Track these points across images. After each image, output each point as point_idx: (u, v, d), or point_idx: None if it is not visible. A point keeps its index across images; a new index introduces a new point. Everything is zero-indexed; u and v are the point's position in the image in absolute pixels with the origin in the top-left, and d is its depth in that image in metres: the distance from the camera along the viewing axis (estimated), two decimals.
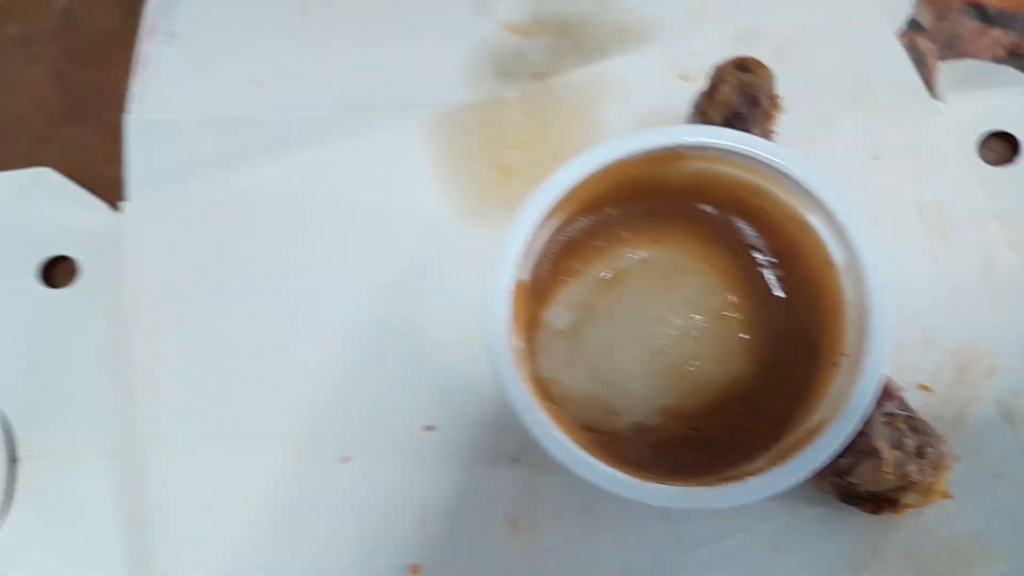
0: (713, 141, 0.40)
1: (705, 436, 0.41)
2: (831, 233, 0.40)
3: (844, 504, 0.43)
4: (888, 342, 0.37)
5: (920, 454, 0.40)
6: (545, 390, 0.42)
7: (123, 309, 0.49)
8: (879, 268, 0.38)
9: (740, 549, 0.44)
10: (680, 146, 0.40)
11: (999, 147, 0.49)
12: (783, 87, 0.49)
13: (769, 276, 0.42)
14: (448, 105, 0.52)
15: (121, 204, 0.51)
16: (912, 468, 0.40)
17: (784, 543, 0.44)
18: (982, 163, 0.48)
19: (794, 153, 0.39)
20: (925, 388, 0.45)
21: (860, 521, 0.43)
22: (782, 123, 0.49)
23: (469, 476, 0.46)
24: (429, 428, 0.46)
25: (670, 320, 0.43)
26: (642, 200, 0.43)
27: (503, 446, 0.45)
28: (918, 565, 0.43)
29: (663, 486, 0.37)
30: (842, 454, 0.41)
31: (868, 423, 0.41)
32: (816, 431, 0.37)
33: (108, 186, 0.53)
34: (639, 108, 0.51)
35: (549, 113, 0.51)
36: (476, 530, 0.45)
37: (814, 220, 0.41)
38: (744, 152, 0.40)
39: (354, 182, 0.50)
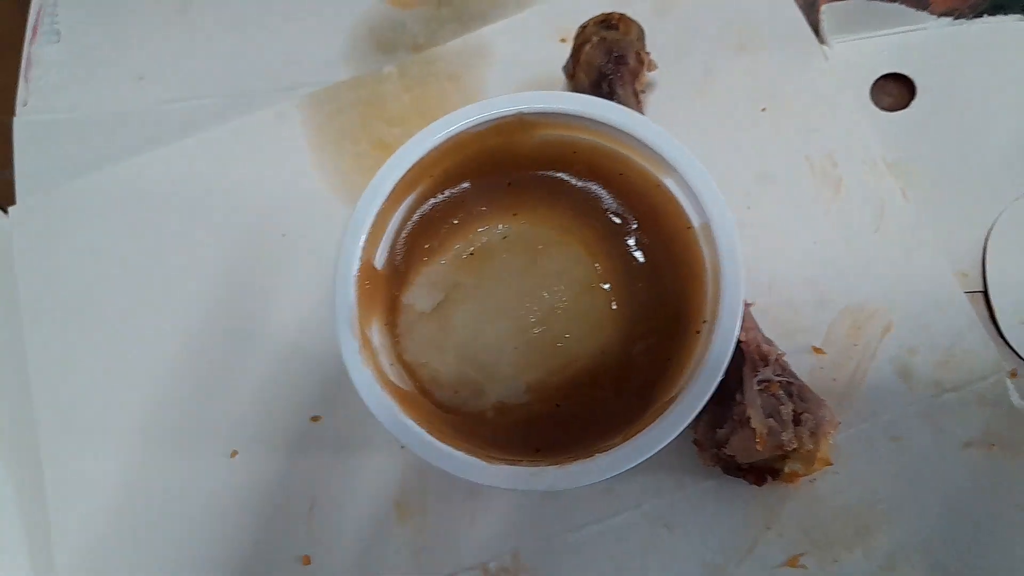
0: (556, 107, 0.38)
1: (569, 413, 0.39)
2: (686, 196, 0.38)
3: (730, 476, 0.41)
4: (739, 307, 0.36)
5: (797, 421, 0.39)
6: (413, 375, 0.41)
7: (16, 312, 0.49)
8: (729, 231, 0.36)
9: (630, 526, 0.43)
10: (521, 113, 0.38)
11: (895, 90, 0.46)
12: (665, 41, 0.47)
13: (632, 243, 0.40)
14: (327, 84, 0.50)
15: (11, 208, 0.51)
16: (786, 438, 0.38)
17: (675, 518, 0.42)
18: (876, 109, 0.46)
19: (640, 116, 0.37)
20: (819, 351, 0.43)
21: (751, 493, 0.42)
22: (664, 79, 0.47)
23: (356, 464, 0.45)
24: (315, 418, 0.46)
25: (538, 294, 0.42)
26: (498, 172, 0.41)
27: (388, 433, 0.44)
28: (813, 535, 0.41)
29: (509, 467, 0.36)
30: (720, 425, 0.40)
31: (743, 392, 0.39)
32: (668, 405, 0.36)
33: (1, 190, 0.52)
34: (520, 74, 0.49)
35: (429, 85, 0.49)
36: (365, 517, 0.44)
37: (670, 183, 0.39)
38: (593, 117, 0.38)
39: (230, 169, 0.49)
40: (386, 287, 0.40)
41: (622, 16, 0.44)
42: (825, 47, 0.47)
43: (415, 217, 0.41)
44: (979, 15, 0.46)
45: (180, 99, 0.52)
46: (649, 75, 0.45)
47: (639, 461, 0.35)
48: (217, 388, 0.46)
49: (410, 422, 0.36)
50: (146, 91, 0.53)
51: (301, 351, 0.46)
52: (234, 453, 0.45)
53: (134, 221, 0.49)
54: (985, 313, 0.43)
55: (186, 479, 0.45)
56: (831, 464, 0.40)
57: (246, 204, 0.48)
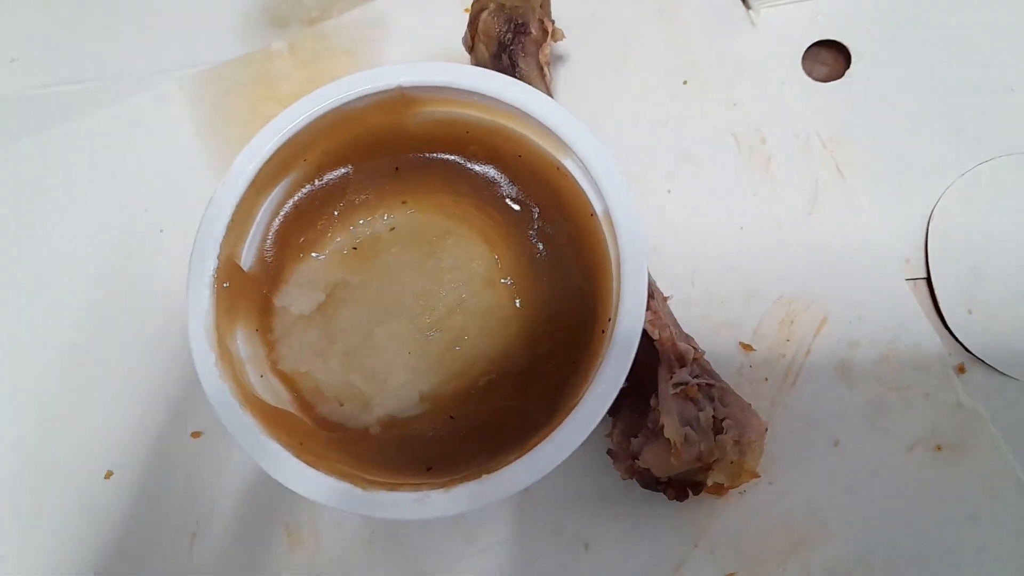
0: (440, 80, 0.34)
1: (465, 425, 0.35)
2: (587, 180, 0.34)
3: (649, 490, 0.37)
4: (642, 301, 0.31)
5: (719, 429, 0.34)
6: (293, 386, 0.36)
7: None
8: (630, 216, 0.32)
9: (544, 545, 0.38)
10: (402, 88, 0.34)
11: (829, 59, 0.42)
12: (576, 8, 0.43)
13: (534, 233, 0.36)
14: (216, 63, 0.46)
15: None
16: (704, 448, 0.34)
17: (593, 536, 0.38)
18: (808, 79, 0.42)
19: (532, 88, 0.33)
20: (747, 347, 0.39)
21: (677, 507, 0.38)
22: (576, 50, 0.42)
23: (242, 484, 0.41)
24: (195, 434, 0.41)
25: (433, 291, 0.37)
26: (383, 156, 0.37)
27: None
28: (745, 551, 0.38)
29: (388, 493, 0.31)
30: (635, 433, 0.35)
31: (656, 396, 0.35)
32: (566, 415, 0.31)
33: None
34: (421, 48, 0.44)
35: (323, 61, 0.45)
36: (253, 542, 0.40)
37: (570, 165, 0.34)
38: (481, 91, 0.34)
39: (105, 158, 0.45)
40: (255, 288, 0.35)
41: None
42: (752, 13, 0.43)
43: (287, 207, 0.36)
44: None
45: (55, 83, 0.48)
46: (557, 46, 0.40)
47: (534, 480, 0.31)
48: (89, 402, 0.42)
49: (275, 444, 0.32)
50: (18, 74, 0.48)
51: (180, 359, 0.42)
52: (109, 474, 0.41)
53: (9, 210, 0.44)
54: (929, 302, 0.39)
55: (56, 502, 0.41)
56: (758, 476, 0.36)
57: (122, 197, 0.44)
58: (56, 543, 0.40)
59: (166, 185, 0.44)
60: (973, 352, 0.38)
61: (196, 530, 0.40)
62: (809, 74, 0.42)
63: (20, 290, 0.43)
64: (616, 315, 0.32)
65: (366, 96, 0.34)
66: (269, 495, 0.40)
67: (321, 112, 0.34)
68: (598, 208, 0.34)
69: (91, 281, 0.43)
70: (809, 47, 0.42)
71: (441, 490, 0.31)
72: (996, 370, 0.38)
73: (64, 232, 0.44)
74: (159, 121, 0.45)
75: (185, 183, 0.44)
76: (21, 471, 0.41)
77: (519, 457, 0.32)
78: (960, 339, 0.38)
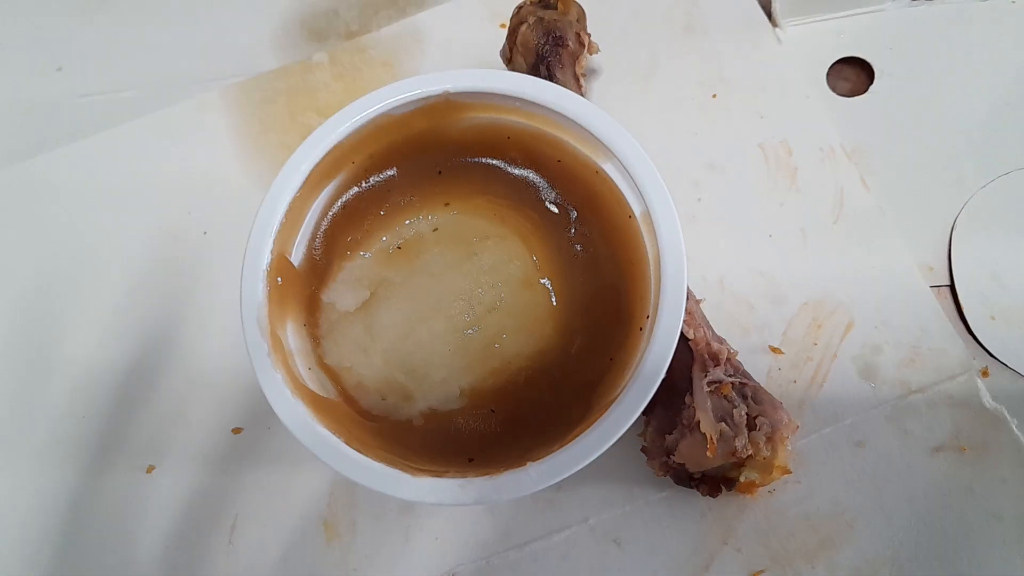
0: (485, 86, 0.35)
1: (504, 418, 0.36)
2: (627, 183, 0.35)
3: (682, 487, 0.38)
4: (682, 301, 0.33)
5: (752, 426, 0.35)
6: (336, 380, 0.37)
7: None
8: (670, 219, 0.33)
9: (576, 542, 0.39)
10: (448, 93, 0.35)
11: (852, 75, 0.44)
12: (608, 23, 0.45)
13: (572, 234, 0.37)
14: (253, 74, 0.47)
15: None
16: (739, 444, 0.35)
17: (624, 533, 0.39)
18: (832, 94, 0.43)
19: (575, 95, 0.34)
20: (776, 350, 0.40)
21: (706, 504, 0.39)
22: (608, 63, 0.44)
23: (280, 479, 0.42)
24: (236, 430, 0.42)
25: (472, 291, 0.38)
26: (427, 159, 0.38)
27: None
28: (773, 549, 0.38)
29: (434, 479, 0.32)
30: (669, 430, 0.36)
31: (692, 394, 0.36)
32: (607, 408, 0.32)
33: None
34: (457, 60, 0.46)
35: (361, 73, 0.46)
36: (290, 537, 0.40)
37: (610, 169, 0.36)
38: (526, 99, 0.35)
39: (149, 164, 0.46)
40: (304, 284, 0.37)
41: None
42: (778, 30, 0.44)
43: (336, 207, 0.37)
44: None
45: (100, 91, 0.49)
46: (591, 59, 0.42)
47: (574, 470, 0.32)
48: (132, 398, 0.43)
49: (325, 431, 0.33)
50: (64, 83, 0.50)
51: (221, 358, 0.43)
52: (150, 468, 0.42)
53: (45, 220, 0.46)
54: (952, 308, 0.40)
55: (98, 496, 0.42)
56: (790, 472, 0.37)
57: (166, 201, 0.45)
58: (98, 536, 0.41)
59: (208, 190, 0.45)
60: (996, 356, 0.39)
61: (235, 524, 0.41)
62: (833, 89, 0.43)
63: (66, 291, 0.44)
64: (656, 313, 0.33)
65: (413, 101, 0.35)
66: (307, 490, 0.41)
67: (370, 116, 0.35)
68: (637, 210, 0.35)
69: (137, 281, 0.44)
70: (833, 63, 0.44)
71: (484, 478, 0.32)
72: (1019, 374, 0.39)
73: (111, 234, 0.45)
74: (200, 128, 0.47)
75: (225, 188, 0.45)
76: (64, 465, 0.42)
77: (560, 448, 0.32)
78: (983, 344, 0.39)
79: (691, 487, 0.37)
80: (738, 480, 0.37)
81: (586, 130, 0.35)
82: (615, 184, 0.36)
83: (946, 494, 0.38)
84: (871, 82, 0.44)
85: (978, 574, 0.37)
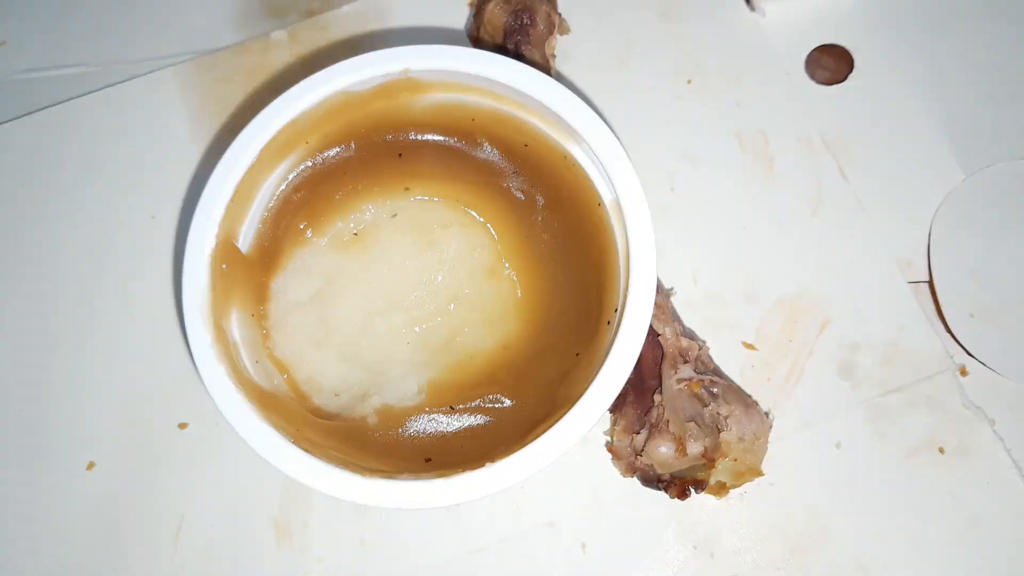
0: (448, 65, 0.33)
1: (466, 416, 0.34)
2: (597, 168, 0.33)
3: (650, 488, 0.36)
4: (651, 293, 0.31)
5: (722, 425, 0.34)
6: (286, 374, 0.35)
7: None
8: (640, 206, 0.31)
9: (540, 545, 0.38)
10: (409, 71, 0.33)
11: (831, 63, 0.42)
12: (581, 5, 0.43)
13: (539, 222, 0.35)
14: (211, 50, 0.45)
15: None
16: (709, 444, 0.33)
17: (590, 537, 0.38)
18: (811, 82, 0.42)
19: (542, 75, 0.32)
20: (750, 347, 0.39)
21: (675, 507, 0.37)
22: (580, 48, 0.42)
23: (229, 477, 0.39)
24: (182, 425, 0.40)
25: (434, 281, 0.36)
26: (386, 141, 0.36)
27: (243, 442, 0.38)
28: (745, 555, 0.37)
29: (386, 481, 0.30)
30: (637, 429, 0.35)
31: (661, 392, 0.34)
32: (572, 406, 0.30)
33: None
34: (421, 39, 0.43)
35: (321, 51, 0.44)
36: (238, 537, 0.38)
37: (578, 154, 0.34)
38: (490, 77, 0.33)
39: (96, 143, 0.44)
40: (252, 271, 0.35)
41: None
42: (756, 15, 0.42)
43: (288, 189, 0.35)
44: None
45: (47, 67, 0.47)
46: (561, 44, 0.40)
47: (535, 470, 0.30)
48: (71, 390, 0.41)
49: (271, 430, 0.31)
50: (9, 58, 0.47)
51: (168, 349, 0.40)
52: (90, 465, 0.40)
53: None
54: (931, 305, 0.39)
55: (34, 494, 0.40)
56: (762, 475, 0.35)
57: (113, 183, 0.43)
58: (35, 536, 0.39)
59: (158, 171, 0.43)
60: (975, 355, 0.38)
61: (181, 524, 0.39)
62: (812, 77, 0.42)
63: (6, 274, 0.42)
64: (623, 307, 0.31)
65: (372, 79, 0.34)
66: (257, 489, 0.39)
67: (327, 94, 0.33)
68: (606, 197, 0.33)
69: (80, 266, 0.42)
70: (812, 51, 0.42)
71: (441, 480, 0.30)
72: (998, 373, 0.38)
73: (54, 216, 0.43)
74: (152, 106, 0.44)
75: (177, 170, 0.43)
76: (2, 460, 0.39)
77: (519, 448, 0.31)
78: (962, 342, 0.38)
79: (659, 489, 0.36)
80: (708, 482, 0.35)
81: (554, 112, 0.33)
82: (583, 169, 0.34)
83: (923, 497, 0.37)
84: (851, 70, 0.42)
85: None
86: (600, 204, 0.34)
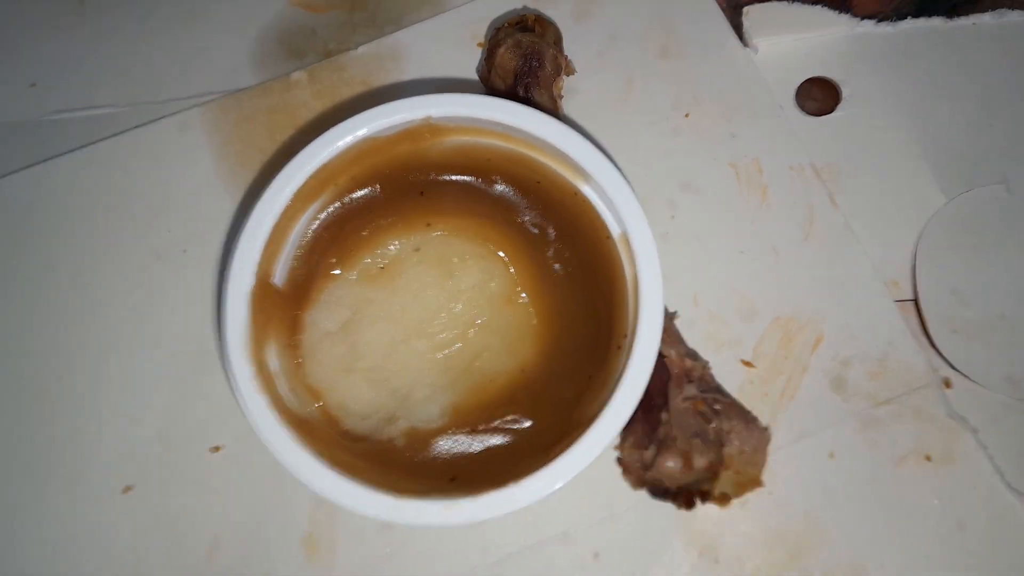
0: (465, 112, 0.36)
1: (487, 436, 0.37)
2: (605, 204, 0.36)
3: (659, 499, 0.39)
4: (659, 320, 0.34)
5: (725, 440, 0.36)
6: (319, 400, 0.38)
7: None
8: (647, 241, 0.34)
9: (556, 554, 0.40)
10: (430, 118, 0.36)
11: (820, 94, 0.45)
12: (585, 46, 0.46)
13: (551, 254, 0.38)
14: (234, 91, 0.47)
15: None
16: (713, 457, 0.36)
17: (602, 545, 0.40)
18: (801, 113, 0.44)
19: (552, 119, 0.35)
20: (748, 364, 0.41)
21: (682, 517, 0.40)
22: (584, 85, 0.45)
23: (260, 497, 0.42)
24: (215, 448, 0.42)
25: (454, 309, 0.39)
26: (409, 181, 0.39)
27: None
28: (747, 561, 0.40)
29: (419, 501, 0.33)
30: (645, 445, 0.37)
31: (668, 410, 0.37)
32: (588, 425, 0.33)
33: None
34: (435, 79, 0.46)
35: (340, 91, 0.47)
36: (270, 554, 0.41)
37: (588, 191, 0.37)
38: (504, 122, 0.36)
39: (127, 182, 0.46)
40: (286, 305, 0.37)
41: (537, 17, 0.42)
42: (749, 50, 0.45)
43: (318, 229, 0.38)
44: (903, 17, 0.45)
45: (75, 108, 0.49)
46: (569, 80, 0.43)
47: (555, 488, 0.33)
48: (108, 417, 0.42)
49: (309, 455, 0.33)
50: (38, 99, 0.49)
51: (199, 375, 0.43)
52: (127, 489, 0.42)
53: (19, 241, 0.45)
54: (916, 322, 0.42)
55: (73, 519, 0.42)
56: (762, 485, 0.38)
57: (145, 219, 0.45)
58: (74, 559, 0.41)
59: (187, 208, 0.45)
60: (958, 369, 0.41)
61: (215, 543, 0.41)
62: (802, 109, 0.45)
63: (41, 311, 0.44)
64: (634, 333, 0.34)
65: (396, 125, 0.36)
66: (288, 508, 0.41)
67: (354, 140, 0.36)
68: (614, 231, 0.36)
69: (116, 299, 0.44)
70: (801, 83, 0.45)
71: (469, 498, 0.33)
72: (980, 385, 0.40)
73: (89, 253, 0.45)
74: (179, 146, 0.47)
75: (205, 206, 0.45)
76: (40, 484, 0.42)
77: (541, 467, 0.33)
78: (946, 357, 0.41)
79: (666, 500, 0.38)
80: (712, 493, 0.38)
81: (563, 153, 0.35)
82: (593, 206, 0.36)
83: (912, 502, 0.40)
84: (838, 102, 0.45)
85: None
86: (609, 237, 0.36)
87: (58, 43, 0.51)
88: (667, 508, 0.39)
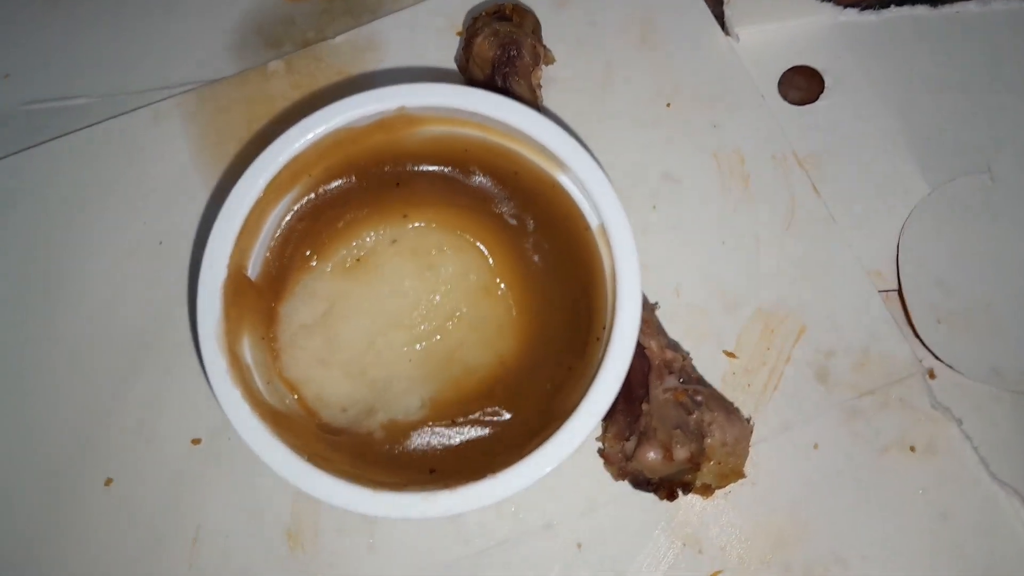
0: (441, 101, 0.35)
1: (466, 428, 0.36)
2: (584, 196, 0.35)
3: (641, 490, 0.39)
4: (637, 311, 0.33)
5: (707, 431, 0.36)
6: (296, 393, 0.37)
7: None
8: (624, 232, 0.34)
9: (538, 546, 0.40)
10: (404, 108, 0.35)
11: (803, 83, 0.45)
12: (564, 34, 0.45)
13: (530, 246, 0.38)
14: (211, 81, 0.47)
15: None
16: (694, 449, 0.35)
17: (585, 536, 0.40)
18: (784, 103, 0.44)
19: (530, 110, 0.35)
20: (730, 355, 0.41)
21: (665, 507, 0.40)
22: (564, 74, 0.45)
23: (242, 489, 0.41)
24: (195, 440, 0.42)
25: (432, 301, 0.39)
26: (385, 172, 0.38)
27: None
28: (730, 551, 0.39)
29: (396, 494, 0.33)
30: (627, 436, 0.37)
31: (648, 401, 0.37)
32: (567, 417, 0.33)
33: None
34: (413, 68, 0.46)
35: (318, 81, 0.46)
36: (252, 546, 0.40)
37: (566, 182, 0.36)
38: (480, 112, 0.35)
39: (103, 173, 0.45)
40: (261, 298, 0.37)
41: (515, 6, 0.42)
42: (731, 39, 0.45)
43: (293, 221, 0.37)
44: (887, 5, 0.45)
45: (49, 99, 0.48)
46: (547, 69, 0.42)
47: (537, 478, 0.32)
48: (88, 411, 0.42)
49: (287, 449, 0.33)
50: (11, 90, 0.49)
51: (178, 368, 0.42)
52: (108, 481, 0.42)
53: None
54: (900, 312, 0.41)
55: (55, 511, 0.41)
56: (745, 476, 0.38)
57: (119, 211, 0.45)
58: (56, 552, 0.41)
59: (163, 199, 0.45)
60: (942, 359, 0.40)
61: (196, 536, 0.41)
62: (785, 97, 0.44)
63: (20, 301, 0.44)
64: (612, 324, 0.34)
65: (370, 115, 0.36)
66: (270, 500, 0.41)
67: (328, 130, 0.35)
68: (593, 223, 0.35)
69: (91, 291, 0.44)
70: (784, 72, 0.45)
71: (446, 491, 0.33)
72: (964, 376, 0.40)
73: (63, 246, 0.45)
74: (155, 137, 0.46)
75: (181, 197, 0.45)
76: (20, 477, 0.41)
77: (520, 459, 0.33)
78: (930, 347, 0.41)
79: (648, 491, 0.38)
80: (694, 484, 0.37)
81: (541, 144, 0.35)
82: (571, 197, 0.36)
83: (896, 493, 0.39)
84: (822, 91, 0.44)
85: (927, 571, 0.38)
86: (588, 229, 0.36)
87: (31, 32, 0.50)
88: (650, 499, 0.39)
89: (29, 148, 0.46)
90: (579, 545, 0.40)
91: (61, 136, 0.47)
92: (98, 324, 0.43)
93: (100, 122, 0.47)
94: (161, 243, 0.44)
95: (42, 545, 0.41)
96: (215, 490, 0.41)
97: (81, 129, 0.47)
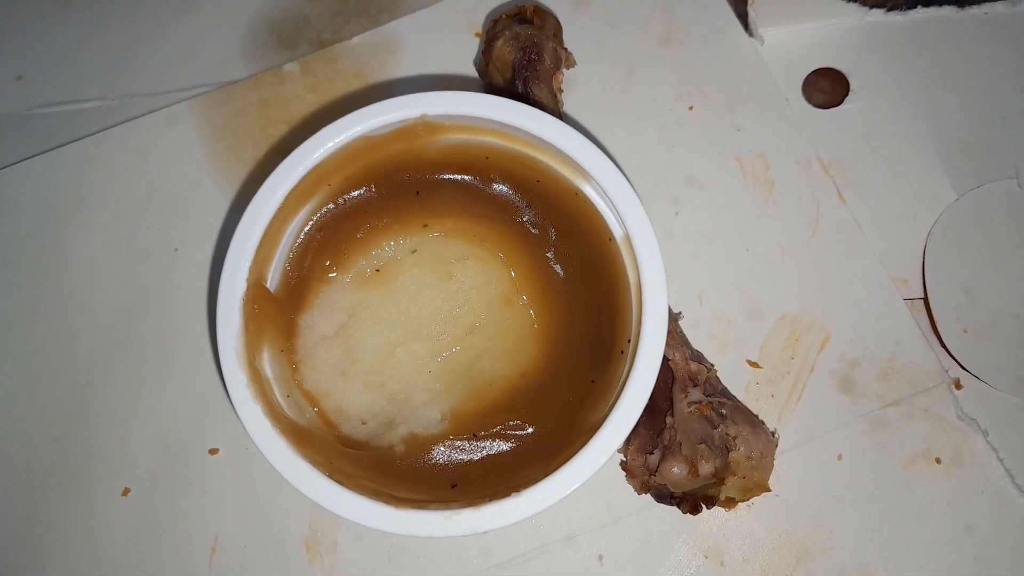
0: (462, 110, 0.35)
1: (488, 442, 0.36)
2: (607, 205, 0.35)
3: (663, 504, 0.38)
4: (663, 325, 0.33)
5: (731, 445, 0.36)
6: (316, 406, 0.37)
7: None
8: (650, 243, 0.33)
9: (560, 559, 0.40)
10: (425, 116, 0.35)
11: (828, 86, 0.44)
12: (585, 36, 0.44)
13: (552, 256, 0.37)
14: (225, 84, 0.46)
15: None
16: (718, 464, 0.35)
17: (607, 549, 0.39)
18: (809, 106, 0.43)
19: (552, 117, 0.34)
20: (754, 364, 0.40)
21: (688, 520, 0.39)
22: (584, 76, 0.44)
23: (260, 499, 0.41)
24: (213, 451, 0.41)
25: (453, 312, 0.38)
26: (405, 181, 0.37)
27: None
28: (754, 563, 0.39)
29: (419, 512, 0.32)
30: (650, 450, 0.37)
31: (672, 415, 0.36)
32: (592, 433, 0.32)
33: None
34: (430, 70, 0.45)
35: (334, 84, 0.46)
36: (271, 557, 0.40)
37: (589, 191, 0.35)
38: (502, 120, 0.35)
39: (116, 177, 0.45)
40: (281, 310, 0.36)
41: (536, 8, 0.41)
42: (754, 40, 0.44)
43: (312, 231, 0.37)
44: (913, 6, 0.44)
45: (62, 102, 0.48)
46: (568, 72, 0.42)
47: (560, 498, 0.32)
48: (105, 420, 0.42)
49: (307, 465, 0.33)
50: (25, 93, 0.48)
51: (194, 377, 0.42)
52: (126, 491, 0.41)
53: (6, 236, 0.44)
54: (926, 321, 0.41)
55: (73, 520, 0.41)
56: (769, 491, 0.37)
57: (134, 216, 0.44)
58: (73, 561, 0.41)
59: (178, 204, 0.45)
60: (969, 369, 0.40)
61: (215, 545, 0.40)
62: (809, 100, 0.43)
63: (37, 310, 0.43)
64: (638, 337, 0.33)
65: (391, 124, 0.35)
66: (288, 510, 0.41)
67: (348, 139, 0.35)
68: (617, 233, 0.35)
69: (107, 299, 0.43)
70: (808, 74, 0.44)
71: (471, 508, 0.32)
72: (991, 386, 0.40)
73: (77, 250, 0.44)
74: (169, 140, 0.46)
75: (197, 202, 0.45)
76: (39, 488, 0.41)
77: (544, 476, 0.32)
78: (956, 357, 0.40)
79: (672, 505, 0.38)
80: (718, 498, 0.37)
81: (563, 152, 0.34)
82: (594, 206, 0.35)
83: (920, 505, 0.39)
84: (847, 93, 0.44)
85: None
86: (611, 239, 0.35)
87: (45, 35, 0.50)
88: (671, 511, 0.39)
89: (40, 154, 0.46)
90: (600, 558, 0.39)
91: (74, 141, 0.46)
92: (114, 332, 0.43)
93: (113, 126, 0.46)
94: (177, 249, 0.44)
95: (60, 555, 0.41)
96: (233, 500, 0.41)
97: (94, 133, 0.46)
